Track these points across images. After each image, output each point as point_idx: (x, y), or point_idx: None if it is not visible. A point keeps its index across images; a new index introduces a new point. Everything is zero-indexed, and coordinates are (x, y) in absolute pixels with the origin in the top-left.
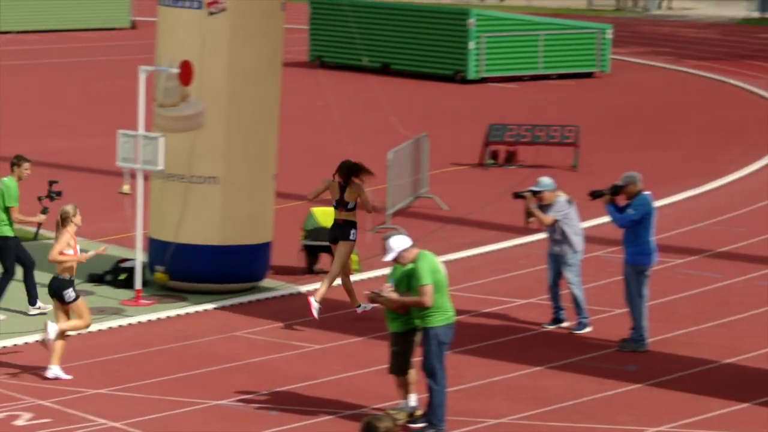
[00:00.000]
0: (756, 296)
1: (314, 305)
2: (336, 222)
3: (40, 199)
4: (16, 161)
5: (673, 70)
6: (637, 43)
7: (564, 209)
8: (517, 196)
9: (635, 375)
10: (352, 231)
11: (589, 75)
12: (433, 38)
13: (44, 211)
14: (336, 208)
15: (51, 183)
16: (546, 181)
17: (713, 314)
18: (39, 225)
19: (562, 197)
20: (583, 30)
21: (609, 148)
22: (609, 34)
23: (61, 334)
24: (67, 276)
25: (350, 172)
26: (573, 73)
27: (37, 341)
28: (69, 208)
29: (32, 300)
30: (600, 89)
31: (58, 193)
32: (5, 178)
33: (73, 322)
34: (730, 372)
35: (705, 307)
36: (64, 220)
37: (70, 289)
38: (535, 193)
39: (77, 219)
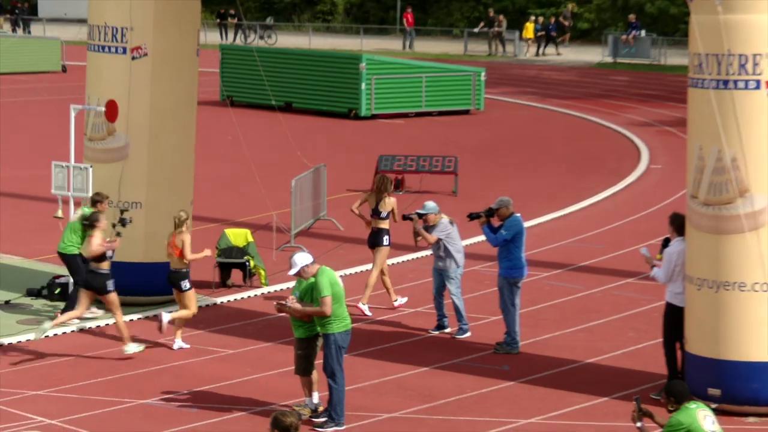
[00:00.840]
0: (612, 305)
1: (365, 308)
2: (372, 229)
3: (114, 225)
4: (99, 198)
5: (539, 108)
6: (507, 84)
7: (447, 229)
8: (406, 218)
9: (509, 374)
10: (386, 237)
11: (466, 112)
12: (330, 80)
13: (118, 235)
14: (372, 216)
15: (122, 211)
16: (430, 204)
17: (575, 320)
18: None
19: (445, 219)
20: (461, 73)
21: (484, 176)
22: (483, 76)
23: (173, 321)
24: (184, 269)
25: (379, 186)
26: (452, 111)
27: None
28: (183, 214)
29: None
30: (476, 124)
31: (130, 220)
32: (86, 208)
33: (182, 312)
34: (590, 370)
35: (568, 315)
36: (182, 224)
37: (186, 280)
38: (421, 215)
39: (189, 222)
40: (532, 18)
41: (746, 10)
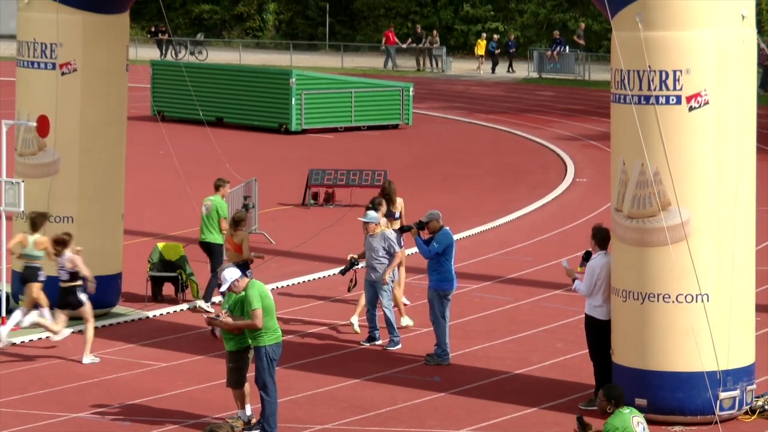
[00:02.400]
0: (540, 316)
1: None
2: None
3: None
4: (220, 183)
5: (466, 122)
6: (435, 99)
7: (393, 239)
8: (344, 272)
9: (440, 385)
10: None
11: (394, 126)
12: (261, 95)
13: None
14: (388, 219)
15: (245, 197)
16: (373, 214)
17: (504, 332)
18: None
19: (387, 230)
20: (389, 88)
21: (414, 190)
22: (411, 91)
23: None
24: (241, 262)
25: (387, 191)
26: (381, 125)
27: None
28: (243, 213)
29: (208, 297)
30: (404, 139)
31: (253, 206)
32: (213, 197)
33: None
34: (520, 381)
35: (497, 326)
36: (240, 223)
37: (248, 272)
38: (356, 262)
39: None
40: (484, 35)
41: (666, 27)
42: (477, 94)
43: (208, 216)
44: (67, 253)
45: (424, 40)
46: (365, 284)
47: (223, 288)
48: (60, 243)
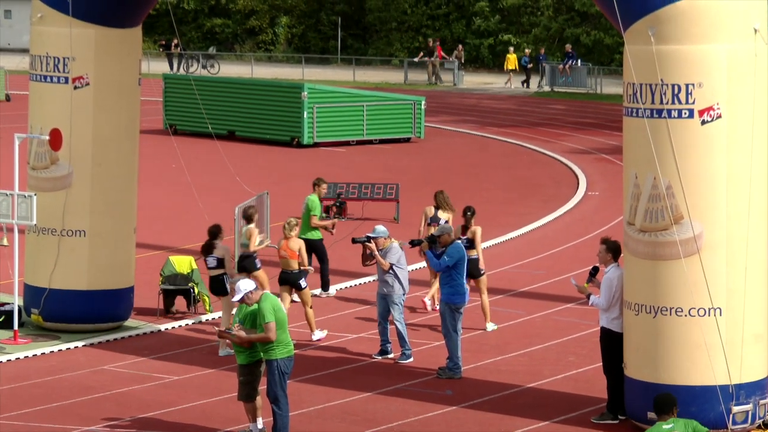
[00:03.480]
0: (553, 329)
1: (428, 303)
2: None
3: (328, 208)
4: (317, 182)
5: (478, 136)
6: (447, 113)
7: (398, 254)
8: (356, 241)
9: (452, 398)
10: None
11: (406, 140)
12: (272, 108)
13: (336, 217)
14: (431, 224)
15: (338, 195)
16: (381, 228)
17: (517, 345)
18: (333, 226)
19: (395, 243)
20: (401, 101)
21: (425, 203)
22: (423, 104)
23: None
24: (299, 270)
25: (446, 201)
26: (393, 139)
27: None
28: (293, 220)
29: (326, 287)
30: (416, 152)
31: (344, 203)
32: (311, 196)
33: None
34: (532, 394)
35: (510, 339)
36: (292, 229)
37: (303, 279)
38: (370, 238)
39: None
40: (511, 49)
41: (679, 40)
42: (489, 107)
43: (304, 214)
44: (217, 242)
45: (434, 55)
46: (377, 297)
47: (236, 299)
48: (210, 233)
